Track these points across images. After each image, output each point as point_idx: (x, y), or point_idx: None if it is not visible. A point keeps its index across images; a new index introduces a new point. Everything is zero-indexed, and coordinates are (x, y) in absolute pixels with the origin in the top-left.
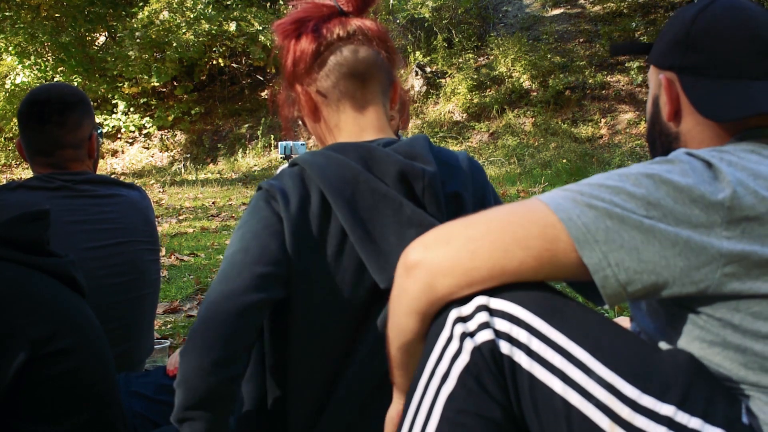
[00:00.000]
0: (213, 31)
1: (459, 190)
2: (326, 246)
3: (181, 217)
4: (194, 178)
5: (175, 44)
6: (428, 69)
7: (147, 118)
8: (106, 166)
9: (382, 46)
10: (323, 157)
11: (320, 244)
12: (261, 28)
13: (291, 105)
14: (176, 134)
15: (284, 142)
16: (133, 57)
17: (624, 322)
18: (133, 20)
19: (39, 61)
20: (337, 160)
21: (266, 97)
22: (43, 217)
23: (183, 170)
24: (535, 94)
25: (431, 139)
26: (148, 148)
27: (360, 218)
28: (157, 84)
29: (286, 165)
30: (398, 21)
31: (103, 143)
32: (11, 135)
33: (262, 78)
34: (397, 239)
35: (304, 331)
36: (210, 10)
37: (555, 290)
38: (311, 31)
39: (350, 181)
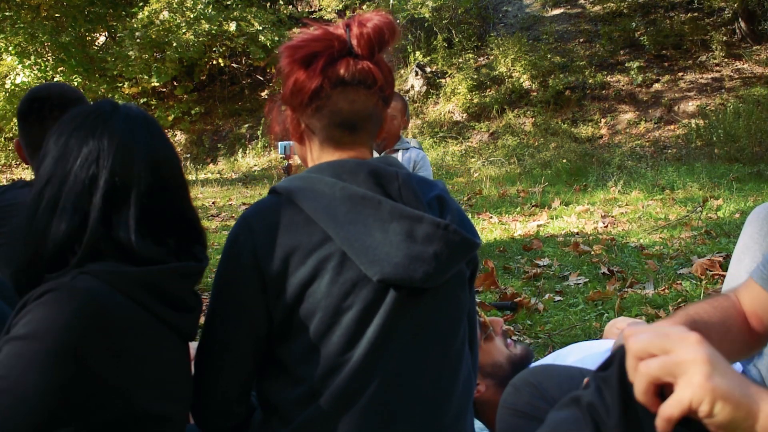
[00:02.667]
0: (213, 31)
1: (440, 194)
2: (317, 262)
3: None
4: (194, 178)
5: (175, 44)
6: (428, 69)
7: None
8: None
9: (383, 92)
10: (299, 180)
11: (308, 264)
12: (261, 28)
13: (282, 122)
14: (176, 134)
15: (283, 142)
16: (133, 57)
17: (623, 322)
18: (133, 20)
19: (39, 61)
20: (312, 179)
21: (266, 97)
22: (197, 274)
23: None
24: (535, 94)
25: (431, 139)
26: None
27: (341, 223)
28: (157, 84)
29: (287, 164)
30: (398, 21)
31: None
32: (11, 135)
33: (262, 78)
34: (382, 234)
35: (301, 339)
36: (210, 10)
37: None
38: (318, 71)
39: (326, 193)
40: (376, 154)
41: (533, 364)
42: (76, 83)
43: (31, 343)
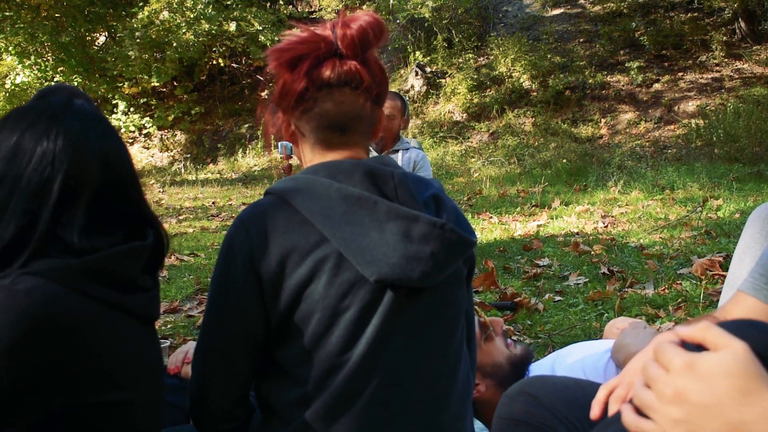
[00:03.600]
0: (213, 31)
1: (436, 193)
2: (313, 264)
3: (181, 217)
4: (194, 178)
5: (175, 44)
6: (428, 69)
7: (147, 118)
8: None
9: (370, 92)
10: (295, 181)
11: (305, 266)
12: (261, 28)
13: (275, 124)
14: (176, 134)
15: (283, 142)
16: (133, 57)
17: (623, 322)
18: (133, 20)
19: (39, 61)
20: (307, 180)
21: (266, 97)
22: (142, 251)
23: (183, 170)
24: (535, 94)
25: (431, 139)
26: (148, 148)
27: (337, 223)
28: (157, 84)
29: (287, 164)
30: (398, 21)
31: None
32: None
33: (262, 78)
34: (378, 234)
35: (300, 340)
36: (210, 10)
37: None
38: (302, 73)
39: (322, 194)
40: (375, 154)
41: (533, 365)
42: (76, 83)
43: None
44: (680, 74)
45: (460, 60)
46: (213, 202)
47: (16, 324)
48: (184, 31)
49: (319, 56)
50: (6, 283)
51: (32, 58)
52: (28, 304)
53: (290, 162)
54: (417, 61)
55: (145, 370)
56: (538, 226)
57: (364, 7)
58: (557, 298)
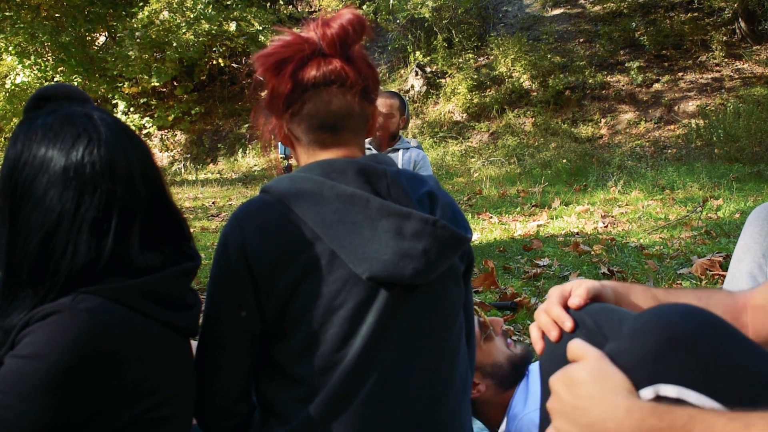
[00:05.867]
0: (213, 31)
1: (431, 190)
2: (306, 261)
3: None
4: (194, 178)
5: (175, 44)
6: (428, 69)
7: (147, 118)
8: None
9: (360, 89)
10: (289, 180)
11: (298, 263)
12: (261, 28)
13: (269, 129)
14: (176, 134)
15: None
16: (133, 57)
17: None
18: (133, 20)
19: (39, 61)
20: (301, 178)
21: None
22: (193, 272)
23: (183, 170)
24: (535, 94)
25: (431, 139)
26: None
27: (330, 222)
28: (157, 84)
29: (287, 164)
30: (398, 21)
31: None
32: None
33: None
34: (371, 231)
35: (295, 338)
36: (210, 10)
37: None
38: (287, 75)
39: (314, 192)
40: (374, 152)
41: (533, 365)
42: (76, 83)
43: (34, 362)
44: (680, 74)
45: (460, 60)
46: (213, 202)
47: (78, 342)
48: (184, 31)
49: (304, 57)
50: (66, 302)
51: (32, 58)
52: (89, 323)
53: (290, 162)
54: (417, 61)
55: (188, 383)
56: (538, 226)
57: (364, 7)
58: None
